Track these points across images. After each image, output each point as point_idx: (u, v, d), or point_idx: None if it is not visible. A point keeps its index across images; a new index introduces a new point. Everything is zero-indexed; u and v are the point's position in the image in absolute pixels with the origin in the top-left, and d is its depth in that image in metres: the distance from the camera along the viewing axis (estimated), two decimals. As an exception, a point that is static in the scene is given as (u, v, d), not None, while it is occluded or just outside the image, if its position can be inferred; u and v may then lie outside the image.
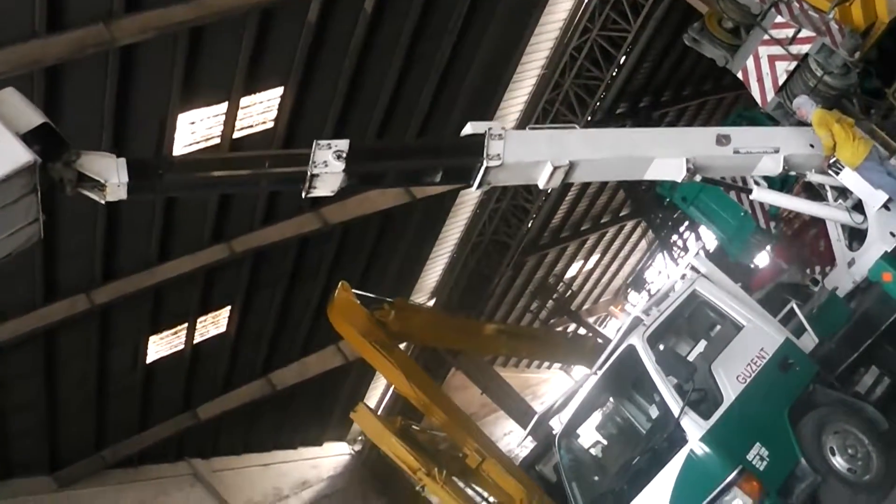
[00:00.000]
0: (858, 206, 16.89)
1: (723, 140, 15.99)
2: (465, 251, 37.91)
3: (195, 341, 30.72)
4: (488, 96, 31.01)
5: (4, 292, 23.66)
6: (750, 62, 19.29)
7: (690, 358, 15.69)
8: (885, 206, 16.31)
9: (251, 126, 25.03)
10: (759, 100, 19.32)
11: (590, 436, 18.16)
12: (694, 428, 14.30)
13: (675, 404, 14.46)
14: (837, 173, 16.39)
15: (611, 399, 17.71)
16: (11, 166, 10.49)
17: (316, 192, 13.27)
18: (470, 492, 23.88)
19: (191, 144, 24.02)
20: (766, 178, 17.31)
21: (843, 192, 17.20)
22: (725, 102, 44.48)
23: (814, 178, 17.05)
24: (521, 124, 33.26)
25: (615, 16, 31.08)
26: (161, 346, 29.74)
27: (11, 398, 26.21)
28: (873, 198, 16.31)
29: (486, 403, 41.56)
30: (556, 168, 14.52)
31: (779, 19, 18.75)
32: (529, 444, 23.05)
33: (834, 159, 16.31)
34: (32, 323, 24.59)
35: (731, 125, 23.64)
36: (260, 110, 24.91)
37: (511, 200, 35.58)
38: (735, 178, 19.00)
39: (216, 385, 33.50)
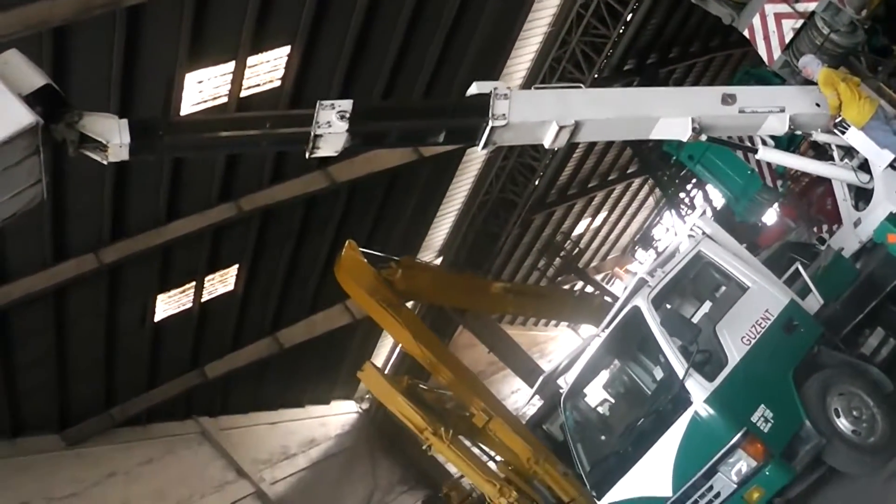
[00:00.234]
0: (864, 166, 16.88)
1: (728, 99, 15.98)
2: (472, 209, 37.84)
3: (203, 300, 30.76)
4: (495, 54, 30.88)
5: (14, 252, 23.73)
6: (756, 20, 19.20)
7: (695, 319, 15.74)
8: (892, 166, 16.27)
9: (258, 85, 24.95)
10: (765, 58, 19.25)
11: (596, 395, 18.24)
12: (698, 390, 14.37)
13: (679, 366, 14.53)
14: (843, 132, 16.35)
15: (616, 360, 17.77)
16: (14, 128, 10.57)
17: (319, 153, 13.37)
18: (476, 451, 23.95)
19: (198, 104, 23.94)
20: (773, 136, 17.27)
21: (849, 152, 17.19)
22: (733, 59, 44.39)
23: (820, 137, 17.06)
24: (528, 82, 33.16)
25: (622, -27, 30.98)
26: (169, 304, 29.80)
27: (21, 357, 26.28)
28: (879, 157, 16.28)
29: (493, 362, 41.61)
30: (561, 128, 14.57)
31: (786, -24, 18.68)
32: (537, 403, 23.16)
33: (840, 118, 16.27)
34: (42, 282, 24.66)
35: (739, 83, 23.66)
36: (267, 69, 24.83)
37: (518, 158, 35.46)
38: (742, 138, 18.97)
39: (224, 343, 33.58)
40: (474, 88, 14.57)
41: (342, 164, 28.98)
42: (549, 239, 47.42)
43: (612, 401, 18.26)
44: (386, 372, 29.31)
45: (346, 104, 13.16)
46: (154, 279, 27.98)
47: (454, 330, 39.21)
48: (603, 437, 17.36)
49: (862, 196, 17.31)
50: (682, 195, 46.59)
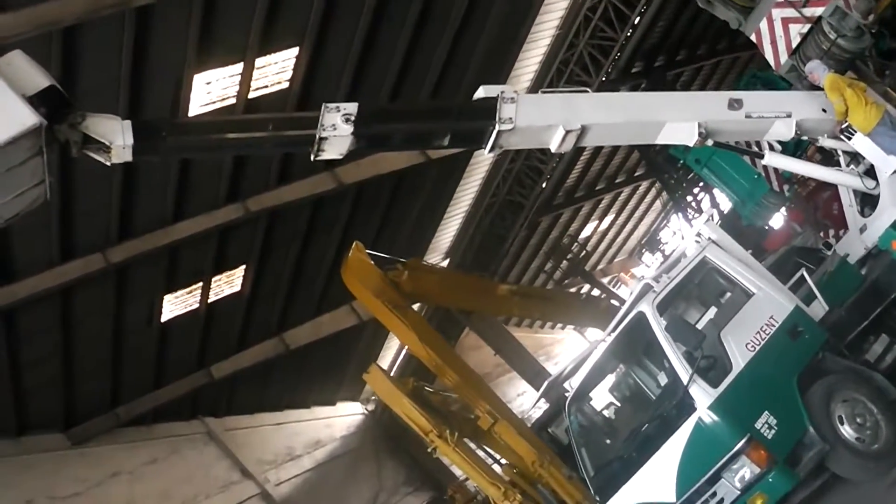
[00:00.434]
0: (871, 172, 16.82)
1: (735, 104, 15.96)
2: (479, 211, 37.91)
3: (210, 300, 30.83)
4: (502, 57, 30.93)
5: (22, 251, 23.78)
6: (763, 24, 19.21)
7: (700, 325, 15.72)
8: (898, 172, 16.28)
9: (266, 87, 25.03)
10: (772, 63, 19.25)
11: (601, 399, 18.25)
12: (702, 396, 14.36)
13: (683, 372, 14.52)
14: (849, 138, 16.32)
15: (621, 365, 17.78)
16: (18, 128, 10.66)
17: (324, 155, 13.44)
18: (481, 453, 23.95)
19: (207, 105, 24.02)
20: (780, 141, 17.27)
21: (855, 157, 17.13)
22: (740, 62, 44.48)
23: (826, 142, 17.00)
24: (536, 84, 33.22)
25: (630, -24, 31.03)
26: (176, 304, 29.85)
27: (27, 355, 26.32)
28: (885, 163, 16.23)
29: (499, 364, 41.61)
30: (567, 132, 14.58)
31: (793, -19, 18.68)
32: (542, 406, 23.15)
33: (846, 124, 16.24)
34: (49, 281, 24.72)
35: (746, 86, 23.67)
36: (275, 71, 24.91)
37: (525, 161, 35.52)
38: (748, 143, 18.97)
39: (230, 344, 33.64)
40: (481, 92, 14.59)
41: (349, 165, 29.06)
42: (555, 241, 47.48)
43: (617, 405, 18.28)
44: (392, 374, 29.28)
45: (352, 107, 13.21)
46: (161, 279, 28.03)
47: (460, 332, 39.32)
48: (607, 442, 17.36)
49: (868, 202, 17.27)
50: (689, 198, 46.58)
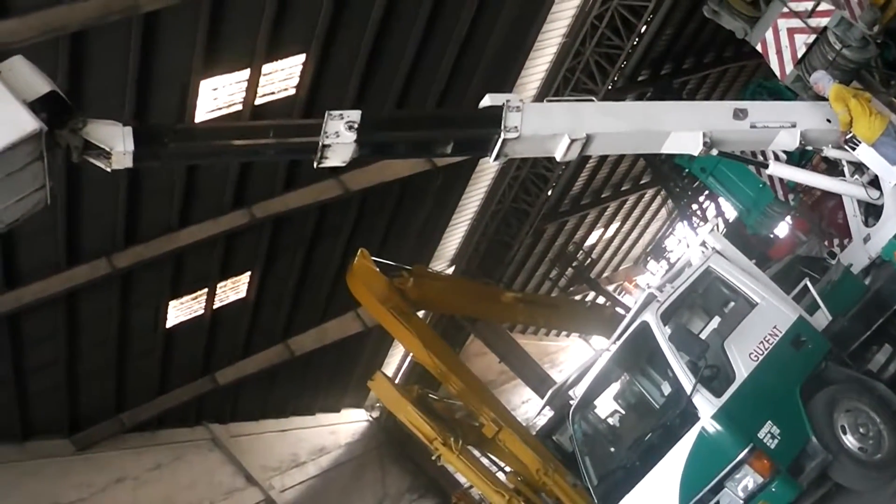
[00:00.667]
0: (875, 182, 16.88)
1: (740, 114, 16.02)
2: (484, 218, 37.85)
3: (215, 306, 30.77)
4: (509, 64, 30.92)
5: (27, 255, 23.75)
6: (769, 34, 19.25)
7: (704, 334, 15.75)
8: (902, 182, 16.31)
9: (273, 93, 25.01)
10: (777, 72, 19.29)
11: (604, 408, 18.26)
12: (706, 405, 14.39)
13: (687, 381, 14.54)
14: (854, 149, 16.37)
15: (625, 374, 17.79)
16: (18, 134, 10.75)
17: (327, 163, 13.49)
18: (486, 461, 23.97)
19: (213, 111, 24.01)
20: (785, 150, 17.30)
21: (859, 167, 17.19)
22: (747, 70, 44.42)
23: (830, 153, 17.05)
24: (542, 92, 33.17)
25: (636, -16, 30.99)
26: (181, 310, 29.82)
27: (32, 360, 26.29)
28: (889, 173, 16.31)
29: (504, 371, 41.62)
30: (573, 141, 14.65)
31: (798, -8, 18.72)
32: (547, 414, 23.17)
33: (851, 135, 16.28)
34: (54, 286, 24.69)
35: (752, 95, 23.73)
36: (282, 77, 24.88)
37: (531, 168, 35.46)
38: (754, 152, 19.01)
39: (235, 350, 33.59)
40: (487, 100, 14.65)
41: (355, 172, 29.00)
42: (561, 249, 47.43)
43: (621, 413, 18.28)
44: (396, 381, 29.32)
45: (355, 115, 13.25)
46: (166, 285, 28.01)
47: (465, 339, 39.27)
48: (611, 450, 17.38)
49: (872, 212, 17.33)
50: (694, 207, 46.57)
